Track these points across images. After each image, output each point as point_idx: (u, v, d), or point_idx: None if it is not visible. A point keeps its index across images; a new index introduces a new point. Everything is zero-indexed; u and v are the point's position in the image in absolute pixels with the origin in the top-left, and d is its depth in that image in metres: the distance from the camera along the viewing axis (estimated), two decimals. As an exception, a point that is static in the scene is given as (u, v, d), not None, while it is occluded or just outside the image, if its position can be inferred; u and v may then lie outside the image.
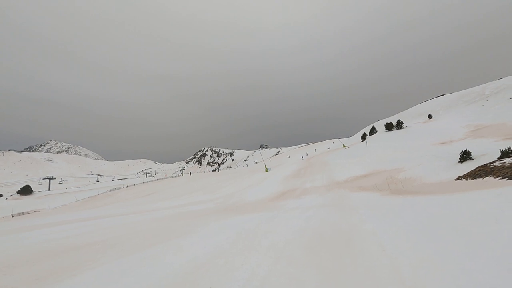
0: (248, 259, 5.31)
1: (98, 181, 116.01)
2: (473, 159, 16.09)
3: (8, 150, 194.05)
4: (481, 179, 11.57)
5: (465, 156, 16.48)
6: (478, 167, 13.39)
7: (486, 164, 13.32)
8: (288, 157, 73.63)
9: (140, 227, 11.03)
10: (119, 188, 55.93)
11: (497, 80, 58.78)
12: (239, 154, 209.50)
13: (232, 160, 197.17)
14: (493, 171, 11.74)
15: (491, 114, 35.02)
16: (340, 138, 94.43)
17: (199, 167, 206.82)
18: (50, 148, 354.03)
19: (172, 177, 72.65)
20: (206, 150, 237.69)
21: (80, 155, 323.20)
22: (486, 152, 16.63)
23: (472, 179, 12.12)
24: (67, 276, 5.15)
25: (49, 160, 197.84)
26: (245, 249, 6.03)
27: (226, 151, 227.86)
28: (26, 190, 65.35)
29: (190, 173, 62.40)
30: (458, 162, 16.58)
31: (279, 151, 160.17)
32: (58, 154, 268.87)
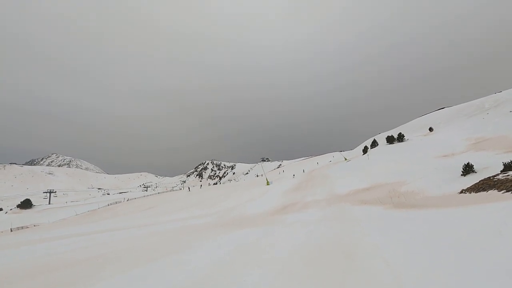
0: (249, 274, 5.20)
1: (106, 194, 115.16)
2: (476, 172, 15.97)
3: (10, 163, 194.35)
4: (485, 192, 11.44)
5: (468, 169, 16.36)
6: (482, 180, 13.27)
7: (490, 177, 13.21)
8: (283, 171, 73.31)
9: (140, 241, 10.88)
10: (119, 201, 55.52)
11: (496, 94, 59.19)
12: (240, 167, 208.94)
13: (233, 173, 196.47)
14: (496, 184, 11.62)
15: (492, 127, 35.04)
16: (341, 151, 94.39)
17: (200, 181, 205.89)
18: (51, 162, 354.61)
19: (173, 190, 72.21)
20: (207, 164, 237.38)
21: (81, 168, 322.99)
22: (489, 165, 16.52)
23: (476, 192, 11.99)
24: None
25: (50, 173, 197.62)
26: (246, 264, 5.91)
27: (227, 164, 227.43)
28: (26, 204, 64.88)
29: (189, 188, 62.06)
30: (461, 175, 16.45)
31: (280, 164, 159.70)
32: (60, 167, 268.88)
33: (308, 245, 7.06)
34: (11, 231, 32.32)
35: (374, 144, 51.97)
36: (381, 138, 56.98)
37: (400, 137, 43.48)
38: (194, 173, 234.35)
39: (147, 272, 5.81)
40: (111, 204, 53.15)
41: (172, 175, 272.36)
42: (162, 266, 6.21)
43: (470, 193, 12.29)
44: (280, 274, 5.03)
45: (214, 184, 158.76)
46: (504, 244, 4.65)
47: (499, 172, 13.03)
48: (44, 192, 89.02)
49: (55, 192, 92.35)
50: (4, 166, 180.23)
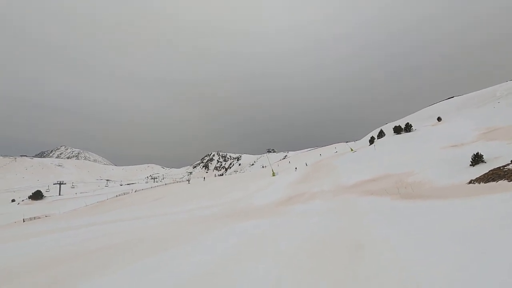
0: (256, 265, 5.24)
1: (106, 186, 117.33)
2: (485, 162, 15.70)
3: (20, 156, 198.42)
4: (494, 182, 11.26)
5: (477, 159, 16.09)
6: (491, 170, 13.05)
7: (500, 167, 12.97)
8: (289, 162, 73.22)
9: (148, 232, 11.07)
10: (128, 193, 56.45)
11: (508, 82, 57.63)
12: (246, 158, 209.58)
13: (239, 164, 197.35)
14: (507, 174, 11.41)
15: (503, 116, 34.24)
16: (347, 142, 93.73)
17: (206, 172, 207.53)
18: (60, 154, 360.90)
19: (180, 181, 73.03)
20: (213, 155, 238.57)
21: (89, 160, 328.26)
22: (499, 155, 16.21)
23: (485, 182, 11.81)
24: (80, 281, 5.17)
25: (59, 165, 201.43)
26: (252, 255, 5.96)
27: (233, 155, 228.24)
28: (37, 195, 66.55)
29: (188, 180, 62.73)
30: (470, 165, 16.20)
31: (286, 155, 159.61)
32: (69, 159, 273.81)
33: (315, 236, 7.08)
34: (24, 221, 33.27)
35: (381, 134, 51.42)
36: (388, 129, 56.33)
37: (408, 127, 42.89)
38: (201, 164, 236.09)
39: (155, 264, 5.89)
40: (119, 195, 54.10)
41: (179, 166, 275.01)
42: (170, 257, 6.31)
43: (479, 183, 12.11)
44: (287, 266, 5.06)
45: (220, 175, 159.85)
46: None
47: (510, 162, 12.78)
48: (54, 184, 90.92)
49: (65, 183, 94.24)
50: (15, 158, 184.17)
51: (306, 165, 48.81)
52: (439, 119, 47.80)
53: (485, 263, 3.87)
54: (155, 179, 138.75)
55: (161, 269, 5.51)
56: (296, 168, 45.09)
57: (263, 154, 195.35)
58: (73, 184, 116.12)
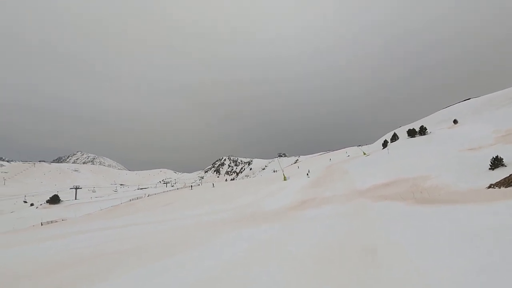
0: (261, 271, 5.13)
1: (115, 191, 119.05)
2: (505, 166, 15.05)
3: (39, 161, 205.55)
4: (516, 187, 10.76)
5: (497, 162, 15.45)
6: (512, 174, 12.49)
7: (521, 171, 12.40)
8: (298, 167, 72.56)
9: (160, 236, 11.13)
10: (141, 197, 57.27)
11: (529, 82, 55.48)
12: (257, 163, 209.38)
13: (250, 169, 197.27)
14: (529, 178, 10.89)
15: (524, 118, 32.90)
16: (360, 145, 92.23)
17: (218, 176, 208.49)
18: (77, 159, 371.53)
19: (192, 186, 73.55)
20: (224, 160, 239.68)
21: (104, 165, 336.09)
22: (520, 158, 15.51)
23: (505, 187, 11.30)
24: (97, 281, 5.22)
25: (76, 170, 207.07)
26: (261, 261, 5.85)
27: (244, 160, 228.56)
28: (54, 200, 68.45)
29: (191, 186, 63.34)
30: (489, 169, 15.57)
31: (297, 159, 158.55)
32: (84, 164, 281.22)
33: (328, 242, 6.91)
34: (42, 225, 34.22)
35: (394, 137, 50.36)
36: (401, 132, 55.12)
37: (422, 130, 41.84)
38: (212, 169, 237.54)
39: (160, 268, 5.87)
40: (132, 199, 54.96)
41: (190, 171, 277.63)
42: (179, 262, 6.28)
43: (499, 187, 11.60)
44: (300, 271, 4.93)
45: (231, 180, 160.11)
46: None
47: (533, 166, 12.20)
48: (70, 188, 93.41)
49: (81, 188, 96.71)
50: (34, 164, 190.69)
51: (318, 169, 48.04)
52: (455, 121, 46.40)
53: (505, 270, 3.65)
54: (167, 184, 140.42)
55: (165, 274, 5.49)
56: (308, 172, 44.63)
57: (274, 159, 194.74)
58: (94, 189, 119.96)
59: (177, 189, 64.76)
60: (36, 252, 9.69)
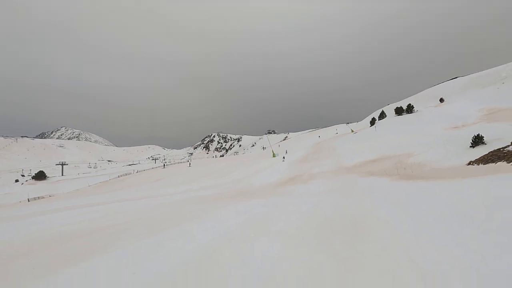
0: (259, 244, 5.39)
1: (95, 167, 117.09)
2: (485, 144, 15.72)
3: (21, 136, 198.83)
4: (493, 164, 11.36)
5: (477, 140, 16.11)
6: (491, 151, 13.11)
7: (500, 148, 13.02)
8: (279, 146, 73.31)
9: (151, 212, 11.29)
10: (130, 173, 57.11)
11: (515, 61, 56.37)
12: (247, 139, 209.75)
13: (240, 145, 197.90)
14: (506, 155, 11.48)
15: (507, 97, 33.86)
16: (348, 123, 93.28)
17: (207, 153, 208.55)
18: (61, 135, 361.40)
19: (181, 162, 73.61)
20: (214, 136, 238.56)
21: (90, 141, 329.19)
22: (500, 136, 16.19)
23: (484, 164, 11.91)
24: (86, 259, 5.30)
25: (61, 146, 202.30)
26: (256, 234, 6.11)
27: (234, 136, 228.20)
28: (40, 176, 67.44)
29: (189, 163, 63.40)
30: (470, 147, 16.24)
31: (286, 136, 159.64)
32: (70, 140, 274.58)
33: (317, 216, 7.24)
34: (28, 201, 33.94)
35: (382, 115, 51.14)
36: (389, 110, 55.91)
37: (409, 109, 42.57)
38: (201, 145, 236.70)
39: (158, 243, 6.02)
40: (121, 175, 54.79)
41: (179, 147, 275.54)
42: (172, 236, 6.46)
43: (478, 164, 12.22)
44: (291, 244, 5.21)
45: (220, 156, 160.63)
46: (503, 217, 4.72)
47: (510, 144, 12.80)
48: (56, 165, 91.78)
49: (68, 164, 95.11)
50: (16, 139, 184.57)
51: (307, 146, 48.76)
52: (441, 100, 47.30)
53: (482, 239, 4.01)
54: (156, 160, 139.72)
55: (163, 248, 5.64)
56: (285, 152, 45.11)
57: (263, 136, 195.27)
58: (96, 164, 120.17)
59: (166, 165, 64.65)
60: (27, 228, 9.70)
